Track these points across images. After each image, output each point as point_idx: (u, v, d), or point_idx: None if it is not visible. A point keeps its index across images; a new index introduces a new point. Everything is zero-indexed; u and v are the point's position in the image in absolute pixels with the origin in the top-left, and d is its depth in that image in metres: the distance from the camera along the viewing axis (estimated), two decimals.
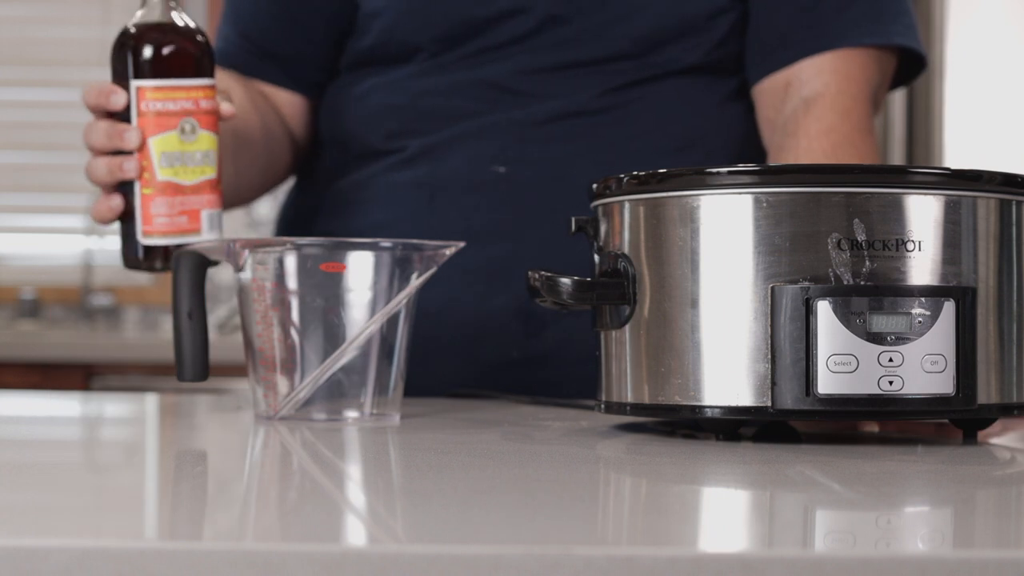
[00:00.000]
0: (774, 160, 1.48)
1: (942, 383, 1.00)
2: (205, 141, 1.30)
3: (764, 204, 1.01)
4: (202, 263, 1.18)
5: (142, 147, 1.28)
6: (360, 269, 1.15)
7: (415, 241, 1.16)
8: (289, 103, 1.61)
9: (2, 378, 3.33)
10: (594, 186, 1.10)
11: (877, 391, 0.99)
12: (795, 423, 1.14)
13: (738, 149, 1.54)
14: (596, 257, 1.10)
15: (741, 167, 1.03)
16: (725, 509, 0.79)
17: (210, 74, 1.31)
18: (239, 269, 1.17)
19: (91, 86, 1.31)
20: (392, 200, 1.54)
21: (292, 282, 1.15)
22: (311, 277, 1.15)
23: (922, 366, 0.99)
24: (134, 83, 1.28)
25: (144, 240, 1.30)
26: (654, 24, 1.51)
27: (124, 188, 1.30)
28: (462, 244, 1.17)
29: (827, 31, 1.50)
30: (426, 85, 1.54)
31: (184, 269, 1.17)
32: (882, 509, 0.77)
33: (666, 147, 1.51)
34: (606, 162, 1.48)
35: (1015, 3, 2.94)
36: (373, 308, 1.15)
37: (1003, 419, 1.12)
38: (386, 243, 1.16)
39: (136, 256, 1.31)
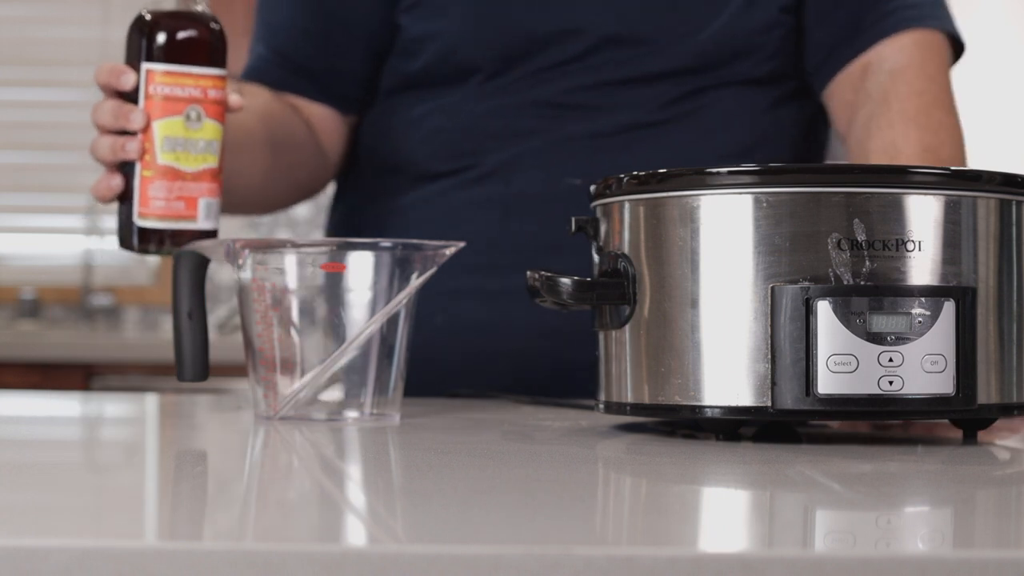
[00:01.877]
0: (864, 131, 1.49)
1: (942, 383, 1.00)
2: (210, 130, 1.30)
3: (764, 204, 1.01)
4: (202, 263, 1.18)
5: (146, 129, 1.29)
6: (360, 269, 1.15)
7: (415, 241, 1.16)
8: (321, 117, 1.61)
9: (2, 378, 3.33)
10: (594, 186, 1.10)
11: (877, 391, 0.99)
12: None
13: (795, 150, 1.57)
14: (596, 257, 1.10)
15: (741, 167, 1.03)
16: (725, 509, 0.79)
17: (222, 64, 1.31)
18: (239, 269, 1.17)
19: (103, 65, 1.32)
20: (461, 219, 1.54)
21: (292, 282, 1.15)
22: (311, 277, 1.15)
23: (922, 366, 0.99)
24: (144, 65, 1.29)
25: (139, 222, 1.30)
26: (714, 41, 1.53)
27: (126, 169, 1.31)
28: (462, 244, 1.17)
29: (904, 16, 1.54)
30: (486, 107, 1.54)
31: (184, 269, 1.17)
32: (882, 509, 0.77)
33: (729, 151, 1.53)
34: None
35: (1015, 3, 2.94)
36: (373, 308, 1.15)
37: (1003, 419, 1.12)
38: (386, 243, 1.16)
39: (131, 237, 1.31)
